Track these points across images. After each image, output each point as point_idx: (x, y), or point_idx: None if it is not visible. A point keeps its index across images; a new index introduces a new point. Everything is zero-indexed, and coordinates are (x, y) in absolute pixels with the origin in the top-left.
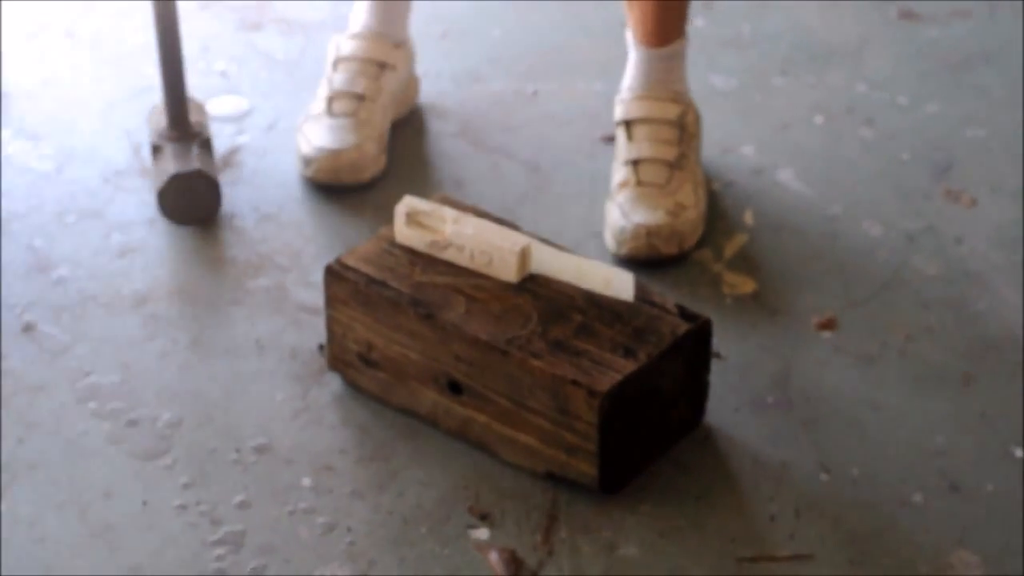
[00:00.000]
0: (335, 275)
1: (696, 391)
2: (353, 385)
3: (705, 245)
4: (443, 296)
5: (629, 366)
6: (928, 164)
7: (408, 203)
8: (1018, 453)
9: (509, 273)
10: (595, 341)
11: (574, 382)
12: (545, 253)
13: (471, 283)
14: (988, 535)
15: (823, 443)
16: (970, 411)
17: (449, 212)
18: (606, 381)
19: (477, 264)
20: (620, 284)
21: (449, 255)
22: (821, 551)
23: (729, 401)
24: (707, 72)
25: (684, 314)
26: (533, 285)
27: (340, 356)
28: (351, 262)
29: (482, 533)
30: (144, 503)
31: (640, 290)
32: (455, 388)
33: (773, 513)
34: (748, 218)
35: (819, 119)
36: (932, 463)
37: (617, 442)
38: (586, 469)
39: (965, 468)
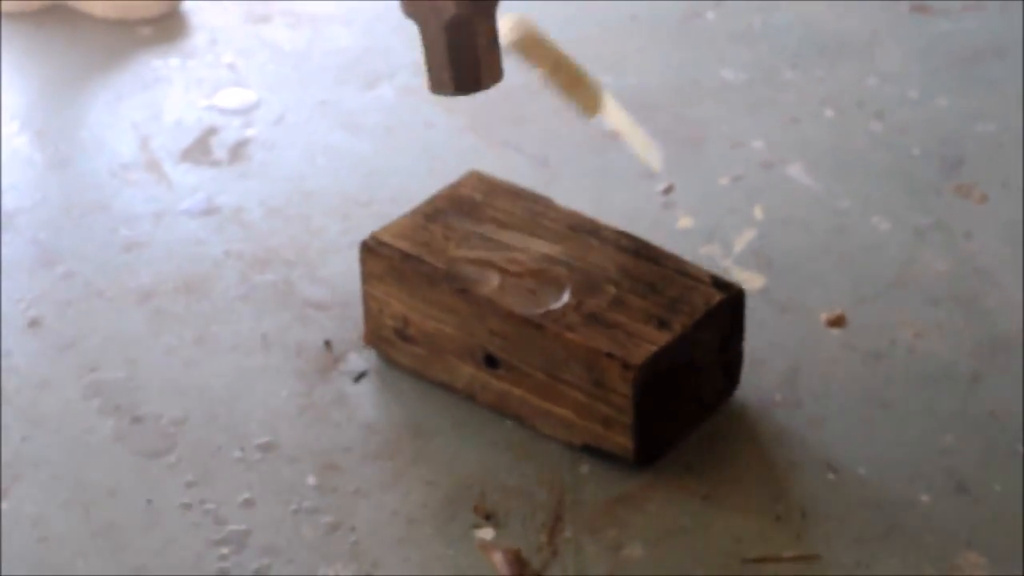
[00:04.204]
0: (370, 251)
1: (730, 361)
2: (390, 361)
3: (714, 240)
4: (478, 270)
5: (663, 337)
6: (938, 159)
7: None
8: None
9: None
10: (629, 313)
11: (608, 355)
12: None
13: (506, 257)
14: (995, 536)
15: (830, 442)
16: (979, 410)
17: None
18: (640, 353)
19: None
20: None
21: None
22: (827, 552)
23: (736, 399)
24: (717, 65)
25: (717, 284)
26: (567, 258)
27: (376, 332)
28: (386, 238)
29: (487, 533)
30: (148, 501)
31: (674, 261)
32: (491, 362)
33: (779, 513)
34: (757, 213)
35: (829, 113)
36: (940, 462)
37: (652, 414)
38: (622, 441)
39: (973, 468)
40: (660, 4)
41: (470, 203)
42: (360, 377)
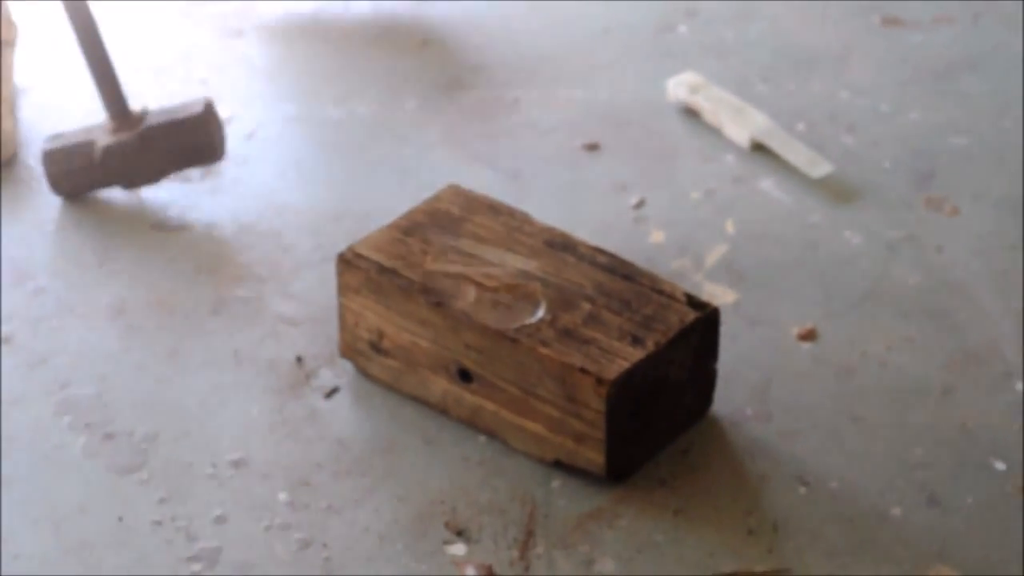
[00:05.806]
0: (347, 263)
1: (704, 379)
2: (364, 374)
3: (686, 254)
4: (454, 284)
5: (637, 354)
6: (910, 172)
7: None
8: (998, 466)
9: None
10: (603, 329)
11: (582, 370)
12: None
13: (482, 271)
14: (967, 549)
15: (802, 456)
16: (950, 423)
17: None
18: (614, 369)
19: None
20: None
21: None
22: (799, 566)
23: (708, 413)
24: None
25: (692, 303)
26: (543, 274)
27: (352, 344)
28: (363, 251)
29: (459, 549)
30: (119, 518)
31: (649, 278)
32: (465, 376)
33: (751, 527)
34: (729, 227)
35: (801, 126)
36: (911, 476)
37: (624, 430)
38: (594, 457)
39: (945, 481)
40: (633, 17)
41: (448, 217)
42: (332, 393)
